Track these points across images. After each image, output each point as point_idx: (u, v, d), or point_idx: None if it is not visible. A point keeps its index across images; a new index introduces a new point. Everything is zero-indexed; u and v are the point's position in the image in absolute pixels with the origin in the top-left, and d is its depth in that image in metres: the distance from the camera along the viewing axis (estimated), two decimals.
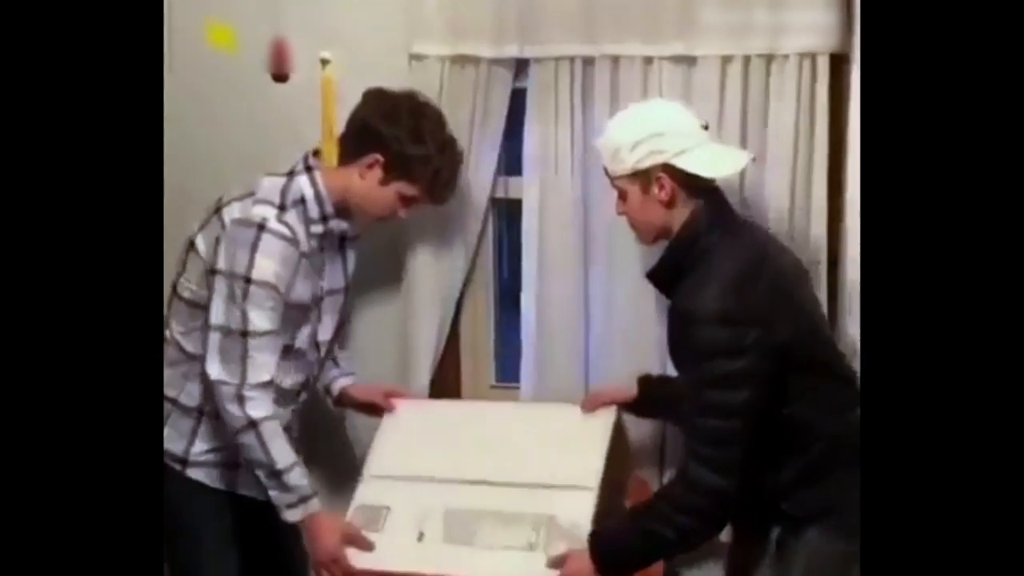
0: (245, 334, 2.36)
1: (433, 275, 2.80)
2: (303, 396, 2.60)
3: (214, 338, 2.37)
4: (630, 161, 2.20)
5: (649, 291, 2.63)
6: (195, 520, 2.51)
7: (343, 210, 2.49)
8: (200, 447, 2.50)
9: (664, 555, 2.33)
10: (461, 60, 2.69)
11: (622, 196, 2.27)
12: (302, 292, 2.45)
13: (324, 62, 2.36)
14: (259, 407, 2.37)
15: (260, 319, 2.36)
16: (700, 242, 2.18)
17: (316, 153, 2.48)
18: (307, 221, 2.45)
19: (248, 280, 2.35)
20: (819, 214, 2.55)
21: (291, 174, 2.46)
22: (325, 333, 2.58)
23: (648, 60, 2.59)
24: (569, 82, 2.65)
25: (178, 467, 2.50)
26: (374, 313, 2.90)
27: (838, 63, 2.50)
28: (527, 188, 2.74)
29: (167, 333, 2.48)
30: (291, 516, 2.40)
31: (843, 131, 2.53)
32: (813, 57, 2.49)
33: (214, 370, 2.37)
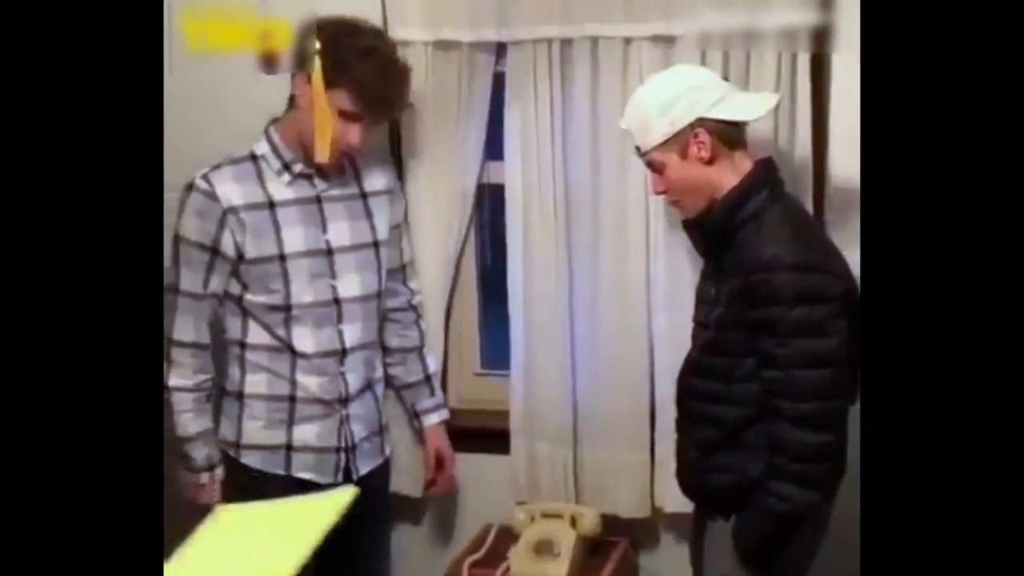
0: (171, 290, 2.43)
1: (423, 262, 2.78)
2: (351, 357, 2.55)
3: (167, 299, 2.44)
4: (663, 126, 2.14)
5: (635, 269, 2.64)
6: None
7: (309, 158, 2.47)
8: (248, 431, 2.53)
9: (787, 531, 2.17)
10: (444, 45, 2.67)
11: (658, 171, 2.19)
12: (264, 246, 2.43)
13: (315, 52, 2.31)
14: (176, 374, 2.45)
15: (183, 277, 2.42)
16: (754, 200, 2.12)
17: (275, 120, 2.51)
18: (268, 176, 2.46)
19: (176, 238, 2.42)
20: (803, 195, 2.50)
21: None
22: (347, 290, 2.53)
23: (628, 40, 2.57)
24: (548, 64, 2.63)
25: (232, 452, 2.54)
26: None
27: (820, 38, 2.48)
28: (509, 173, 2.73)
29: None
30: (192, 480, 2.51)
31: (825, 107, 2.52)
32: (793, 32, 2.46)
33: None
